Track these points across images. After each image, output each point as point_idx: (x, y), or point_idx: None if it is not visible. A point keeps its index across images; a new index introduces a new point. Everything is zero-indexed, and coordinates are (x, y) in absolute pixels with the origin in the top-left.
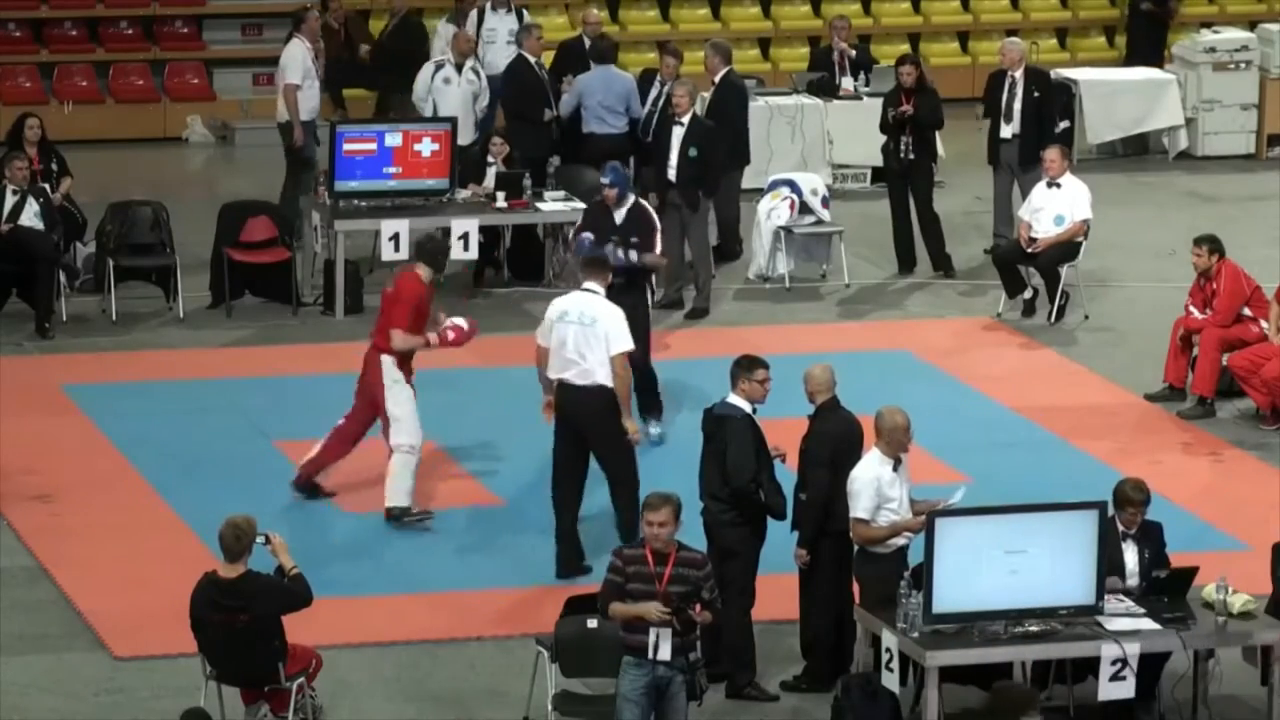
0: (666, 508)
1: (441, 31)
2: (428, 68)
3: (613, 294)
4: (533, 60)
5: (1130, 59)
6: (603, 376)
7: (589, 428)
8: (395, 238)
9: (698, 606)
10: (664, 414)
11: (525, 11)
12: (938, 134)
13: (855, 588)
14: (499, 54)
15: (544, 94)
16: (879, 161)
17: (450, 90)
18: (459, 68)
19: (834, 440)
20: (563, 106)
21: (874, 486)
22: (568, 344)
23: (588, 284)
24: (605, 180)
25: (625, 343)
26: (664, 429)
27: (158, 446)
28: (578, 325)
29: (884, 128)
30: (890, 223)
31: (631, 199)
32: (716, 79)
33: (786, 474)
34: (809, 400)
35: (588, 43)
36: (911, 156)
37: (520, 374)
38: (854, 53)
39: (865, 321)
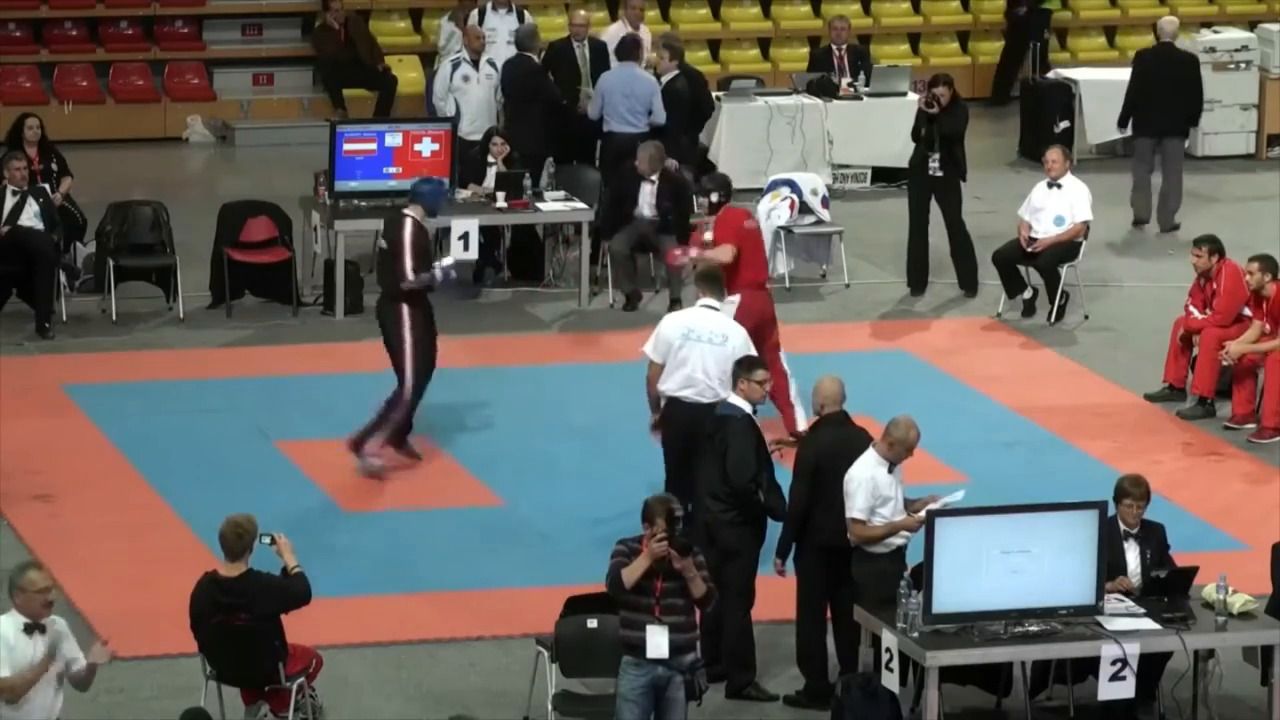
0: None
1: (445, 29)
2: (445, 66)
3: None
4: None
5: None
6: (724, 394)
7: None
8: None
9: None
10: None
11: (526, 12)
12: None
13: (853, 589)
14: (498, 53)
15: (546, 81)
16: (879, 161)
17: (471, 87)
18: (475, 64)
19: (819, 454)
20: (590, 109)
21: (869, 486)
22: (691, 362)
23: (706, 300)
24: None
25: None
26: None
27: (158, 446)
28: (707, 344)
29: (915, 136)
30: (893, 227)
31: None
32: (665, 78)
33: (787, 474)
34: (815, 411)
35: (575, 46)
36: (940, 173)
37: (520, 374)
38: (848, 48)
39: (865, 321)
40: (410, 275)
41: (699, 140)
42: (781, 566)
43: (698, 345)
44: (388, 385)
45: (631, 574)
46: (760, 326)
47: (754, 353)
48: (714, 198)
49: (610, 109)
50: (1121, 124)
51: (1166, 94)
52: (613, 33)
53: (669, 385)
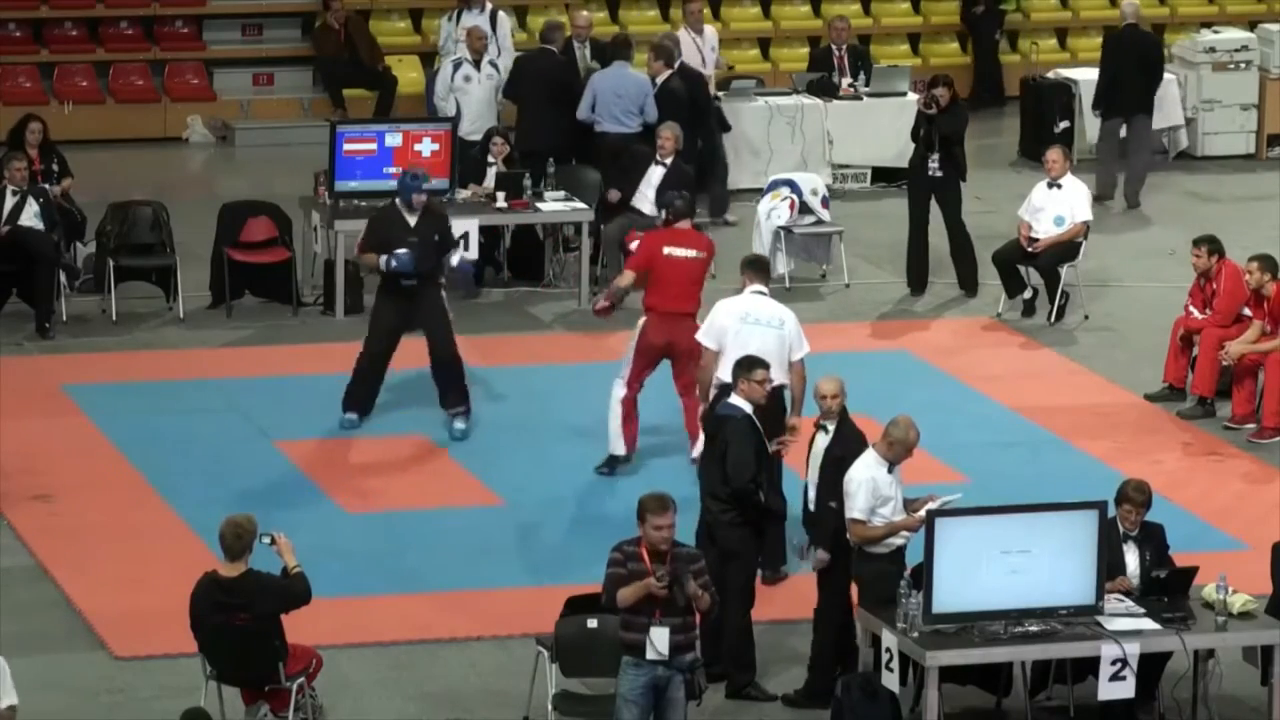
0: (672, 511)
1: (444, 29)
2: (446, 67)
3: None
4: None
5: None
6: (780, 378)
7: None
8: None
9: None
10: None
11: (501, 12)
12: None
13: (854, 588)
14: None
15: (575, 76)
16: (879, 161)
17: (472, 88)
18: (476, 64)
19: (852, 450)
20: (580, 111)
21: (870, 486)
22: (753, 346)
23: (756, 286)
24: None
25: (807, 345)
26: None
27: (158, 446)
28: (765, 328)
29: (914, 136)
30: (893, 227)
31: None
32: (659, 80)
33: (788, 474)
34: (823, 409)
35: (576, 47)
36: (940, 173)
37: (520, 374)
38: (848, 48)
39: (865, 321)
40: (356, 253)
41: (697, 141)
42: (826, 559)
43: (757, 328)
44: (387, 385)
45: (627, 598)
46: (654, 357)
47: (803, 338)
48: (667, 215)
49: (602, 109)
50: (1096, 106)
51: (1132, 74)
52: (681, 40)
53: (729, 373)
